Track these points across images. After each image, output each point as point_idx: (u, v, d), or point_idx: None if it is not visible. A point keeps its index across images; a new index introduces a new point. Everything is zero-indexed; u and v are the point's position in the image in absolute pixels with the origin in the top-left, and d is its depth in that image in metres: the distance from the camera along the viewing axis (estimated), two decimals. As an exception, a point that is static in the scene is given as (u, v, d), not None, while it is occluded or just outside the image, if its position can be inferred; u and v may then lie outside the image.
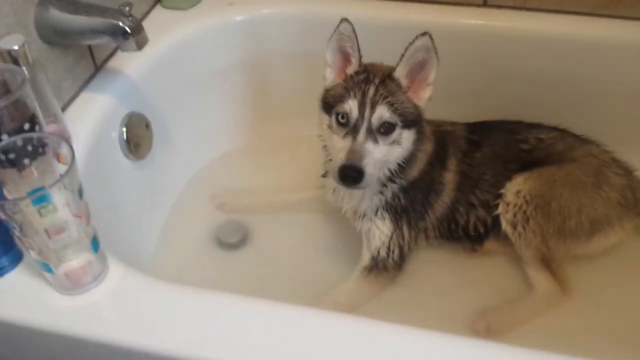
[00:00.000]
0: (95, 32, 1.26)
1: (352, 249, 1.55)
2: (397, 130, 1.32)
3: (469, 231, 1.55)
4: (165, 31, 1.63)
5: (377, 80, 1.32)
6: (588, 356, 0.91)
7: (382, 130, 1.30)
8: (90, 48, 1.42)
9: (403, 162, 1.39)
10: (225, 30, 1.71)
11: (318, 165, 1.58)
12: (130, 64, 1.50)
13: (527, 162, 1.51)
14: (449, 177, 1.51)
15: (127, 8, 1.23)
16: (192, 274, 1.53)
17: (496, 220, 1.50)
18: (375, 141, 1.30)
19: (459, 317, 1.43)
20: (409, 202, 1.47)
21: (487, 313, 1.42)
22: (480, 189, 1.52)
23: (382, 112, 1.30)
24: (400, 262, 1.50)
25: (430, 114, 1.54)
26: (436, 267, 1.57)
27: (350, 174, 1.27)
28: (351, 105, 1.31)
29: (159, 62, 1.58)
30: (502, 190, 1.48)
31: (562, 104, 1.70)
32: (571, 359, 0.92)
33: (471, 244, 1.57)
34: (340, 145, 1.31)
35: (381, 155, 1.31)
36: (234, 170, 1.83)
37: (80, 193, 0.93)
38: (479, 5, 1.69)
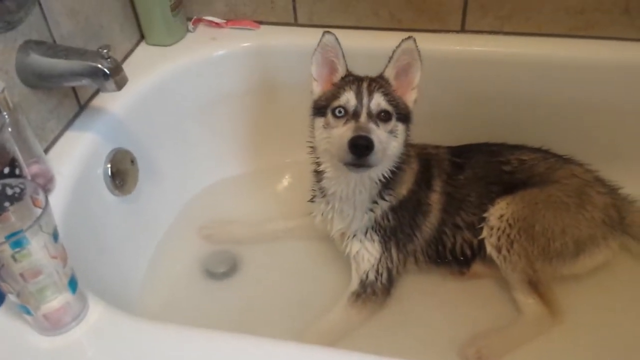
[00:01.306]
0: (75, 74, 1.28)
1: (341, 275, 1.55)
2: (394, 121, 1.35)
3: (457, 254, 1.55)
4: (149, 67, 1.66)
5: (368, 78, 1.38)
6: None
7: (381, 115, 1.33)
8: (73, 88, 1.45)
9: (393, 174, 1.41)
10: (209, 64, 1.74)
11: (304, 192, 1.60)
12: (114, 101, 1.52)
13: (510, 184, 1.52)
14: (435, 198, 1.52)
15: (105, 50, 1.26)
16: (181, 306, 1.56)
17: (482, 243, 1.51)
18: (377, 124, 1.32)
19: (449, 343, 1.43)
20: (398, 222, 1.48)
21: (476, 339, 1.42)
22: (465, 210, 1.53)
23: (380, 100, 1.34)
24: (389, 286, 1.50)
25: (413, 137, 1.57)
26: (425, 291, 1.57)
27: (361, 142, 1.24)
28: (348, 97, 1.34)
29: (144, 98, 1.60)
30: (486, 214, 1.49)
31: (544, 124, 1.72)
32: None
33: (459, 268, 1.57)
34: (342, 130, 1.31)
35: (384, 138, 1.32)
36: (221, 201, 1.84)
37: (56, 236, 0.94)
38: (457, 31, 1.72)
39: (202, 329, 1.04)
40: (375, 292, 1.48)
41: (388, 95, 1.35)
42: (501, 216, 1.46)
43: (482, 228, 1.49)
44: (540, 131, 1.66)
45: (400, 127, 1.37)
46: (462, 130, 1.68)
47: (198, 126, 1.79)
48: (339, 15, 1.78)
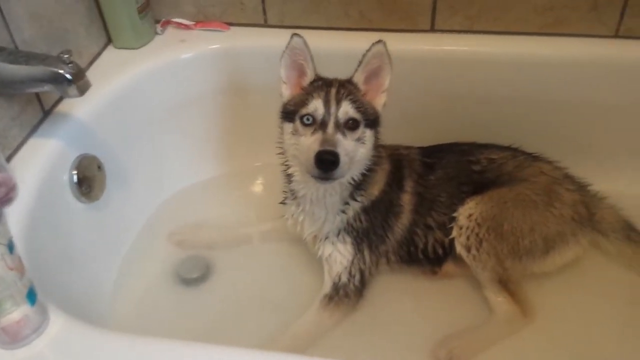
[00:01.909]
0: (37, 80, 1.27)
1: (315, 277, 1.55)
2: (361, 128, 1.35)
3: (428, 253, 1.55)
4: (117, 71, 1.64)
5: (337, 83, 1.37)
6: None
7: (349, 124, 1.33)
8: (37, 94, 1.42)
9: (364, 176, 1.41)
10: (177, 67, 1.73)
11: (276, 195, 1.59)
12: (80, 106, 1.50)
13: (480, 183, 1.52)
14: (406, 199, 1.52)
15: (66, 55, 1.24)
16: (153, 314, 1.54)
17: (454, 242, 1.50)
18: (344, 135, 1.32)
19: (421, 344, 1.43)
20: (370, 224, 1.47)
21: (448, 340, 1.42)
22: (437, 210, 1.53)
23: (347, 108, 1.33)
24: (362, 288, 1.50)
25: (384, 138, 1.57)
26: (397, 292, 1.57)
27: (328, 157, 1.25)
28: (316, 105, 1.33)
29: (111, 102, 1.58)
30: (456, 214, 1.49)
31: (514, 122, 1.72)
32: None
33: (431, 267, 1.57)
34: (310, 141, 1.32)
35: (351, 148, 1.32)
36: (192, 205, 1.83)
37: (11, 247, 0.92)
38: (426, 31, 1.72)
39: (168, 339, 1.02)
40: (347, 294, 1.47)
41: (356, 102, 1.34)
42: (470, 215, 1.46)
43: (452, 228, 1.49)
44: (510, 129, 1.67)
45: (368, 133, 1.36)
46: (433, 129, 1.68)
47: (168, 130, 1.78)
48: (310, 16, 1.78)
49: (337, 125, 1.31)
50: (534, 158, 1.58)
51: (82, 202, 1.46)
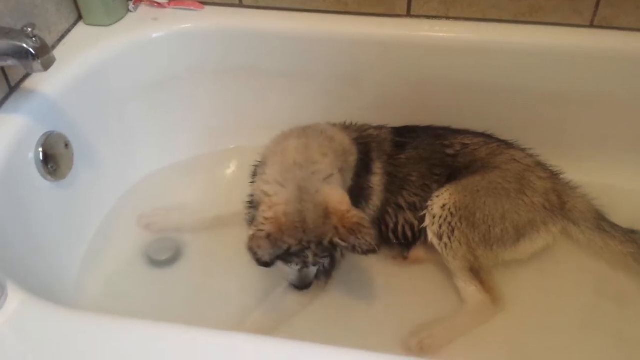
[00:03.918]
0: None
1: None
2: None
3: (398, 234, 1.55)
4: (87, 48, 1.60)
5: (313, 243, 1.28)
6: None
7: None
8: (2, 69, 1.38)
9: None
10: (149, 46, 1.69)
11: (248, 178, 1.54)
12: (48, 82, 1.46)
13: (452, 167, 1.53)
14: (376, 180, 1.51)
15: (29, 29, 1.20)
16: (121, 296, 1.52)
17: (423, 227, 1.50)
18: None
19: (392, 332, 1.43)
20: None
21: (419, 330, 1.42)
22: (407, 190, 1.53)
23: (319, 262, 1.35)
24: (331, 270, 1.50)
25: (359, 119, 1.57)
26: (367, 277, 1.56)
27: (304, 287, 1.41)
28: (292, 271, 1.37)
29: (80, 79, 1.54)
30: (429, 203, 1.49)
31: (489, 109, 1.72)
32: None
33: (401, 251, 1.57)
34: (287, 268, 1.37)
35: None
36: (163, 187, 1.80)
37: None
38: (402, 16, 1.70)
39: (132, 319, 1.01)
40: (317, 276, 1.46)
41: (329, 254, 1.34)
42: (444, 205, 1.46)
43: (424, 216, 1.49)
44: (484, 116, 1.67)
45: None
46: (408, 114, 1.67)
47: (138, 110, 1.74)
48: (285, -2, 1.76)
49: (315, 263, 1.34)
50: (507, 145, 1.58)
51: (48, 180, 1.43)
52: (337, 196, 1.28)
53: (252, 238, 1.23)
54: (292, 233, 1.24)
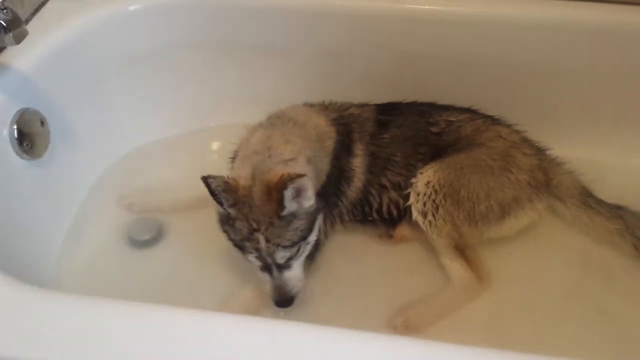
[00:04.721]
0: (-31, 27, 1.19)
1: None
2: (302, 246, 1.33)
3: (383, 213, 1.54)
4: (62, 21, 1.56)
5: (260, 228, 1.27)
6: (507, 348, 0.90)
7: (289, 260, 1.32)
8: (-26, 44, 1.34)
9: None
10: (127, 18, 1.64)
11: (230, 156, 1.53)
12: (22, 57, 1.43)
13: (437, 145, 1.51)
14: (357, 162, 1.50)
15: (0, 1, 1.16)
16: (102, 277, 1.50)
17: (408, 206, 1.48)
18: (289, 266, 1.33)
19: (377, 312, 1.42)
20: (322, 196, 1.42)
21: (405, 308, 1.41)
22: (391, 170, 1.51)
23: (282, 254, 1.30)
24: (315, 251, 1.47)
25: (345, 98, 1.53)
26: (352, 257, 1.55)
27: (285, 303, 1.35)
28: (252, 258, 1.32)
29: (56, 54, 1.51)
30: (413, 180, 1.47)
31: (475, 84, 1.70)
32: (491, 352, 0.91)
33: (386, 230, 1.56)
34: (261, 275, 1.35)
35: (299, 270, 1.36)
36: (144, 166, 1.77)
37: None
38: (390, -12, 1.67)
39: (113, 300, 0.99)
40: None
41: (287, 241, 1.29)
42: (428, 182, 1.44)
43: (408, 188, 1.48)
44: (471, 91, 1.64)
45: (310, 230, 1.34)
46: (394, 90, 1.64)
47: (117, 86, 1.70)
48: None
49: (279, 267, 1.32)
50: (493, 121, 1.56)
51: (24, 159, 1.40)
52: (281, 173, 1.26)
53: (214, 175, 1.26)
54: (240, 206, 1.25)
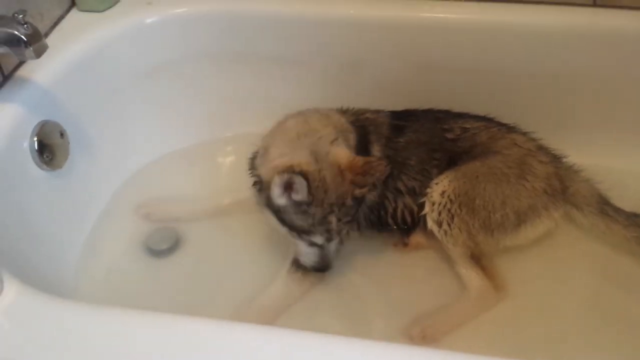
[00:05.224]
0: (-10, 42, 1.21)
1: (284, 247, 1.50)
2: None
3: (397, 219, 1.53)
4: (80, 35, 1.59)
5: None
6: (524, 358, 0.89)
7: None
8: (-4, 58, 1.37)
9: None
10: (144, 31, 1.67)
11: (246, 166, 1.51)
12: (42, 70, 1.45)
13: (452, 152, 1.51)
14: None
15: (20, 16, 1.19)
16: (120, 286, 1.51)
17: (422, 210, 1.48)
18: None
19: (392, 318, 1.41)
20: None
21: (421, 318, 1.40)
22: (407, 174, 1.51)
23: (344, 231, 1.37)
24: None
25: (358, 104, 1.55)
26: (368, 265, 1.54)
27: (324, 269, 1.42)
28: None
29: (75, 67, 1.53)
30: (429, 190, 1.47)
31: (491, 93, 1.69)
32: None
33: (401, 238, 1.56)
34: (304, 248, 1.38)
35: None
36: (162, 176, 1.78)
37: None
38: (402, -4, 1.67)
39: (131, 310, 1.00)
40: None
41: (350, 217, 1.34)
42: (443, 192, 1.44)
43: (423, 202, 1.47)
44: (486, 99, 1.64)
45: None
46: (409, 99, 1.63)
47: (135, 97, 1.72)
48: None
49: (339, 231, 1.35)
50: (508, 129, 1.55)
51: (44, 170, 1.42)
52: (345, 154, 1.31)
53: (281, 172, 1.24)
54: (315, 192, 1.25)
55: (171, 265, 1.57)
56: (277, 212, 1.33)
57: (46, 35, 1.57)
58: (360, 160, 1.29)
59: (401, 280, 1.51)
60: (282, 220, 1.34)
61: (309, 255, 1.39)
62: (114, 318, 0.99)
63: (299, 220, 1.31)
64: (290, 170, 1.24)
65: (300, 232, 1.34)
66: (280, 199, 1.28)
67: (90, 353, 0.93)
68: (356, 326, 1.41)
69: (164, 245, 1.59)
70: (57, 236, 1.47)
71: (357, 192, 1.28)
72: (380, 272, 1.53)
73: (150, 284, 1.52)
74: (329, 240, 1.35)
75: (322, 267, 1.40)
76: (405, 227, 1.54)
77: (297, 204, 1.27)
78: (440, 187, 1.45)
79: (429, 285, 1.49)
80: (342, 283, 1.50)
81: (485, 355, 0.90)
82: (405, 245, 1.55)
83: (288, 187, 1.25)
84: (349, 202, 1.29)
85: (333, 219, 1.29)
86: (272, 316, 1.40)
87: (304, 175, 1.23)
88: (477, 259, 1.44)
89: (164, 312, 0.99)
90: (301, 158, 1.28)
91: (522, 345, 1.35)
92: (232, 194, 1.67)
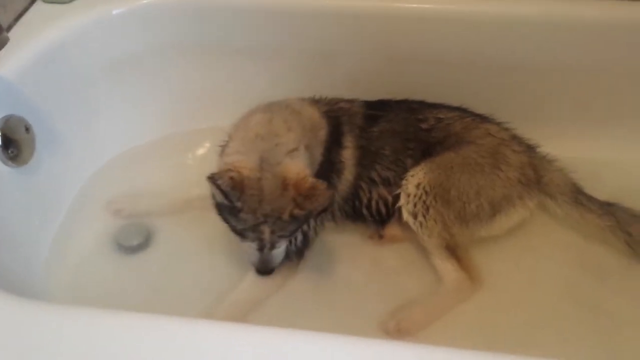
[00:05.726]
0: (-52, 34, 1.17)
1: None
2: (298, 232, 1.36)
3: (372, 210, 1.53)
4: (45, 27, 1.54)
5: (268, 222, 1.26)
6: (501, 348, 0.89)
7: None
8: (-44, 51, 1.32)
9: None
10: (110, 22, 1.62)
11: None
12: (5, 64, 1.41)
13: (426, 142, 1.50)
14: (348, 154, 1.49)
15: (-21, 7, 1.15)
16: (90, 284, 1.48)
17: (397, 201, 1.48)
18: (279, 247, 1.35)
19: (368, 311, 1.41)
20: None
21: (396, 311, 1.40)
22: (381, 164, 1.51)
23: (281, 244, 1.34)
24: (303, 249, 1.48)
25: (332, 95, 1.54)
26: (343, 257, 1.53)
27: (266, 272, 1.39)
28: (249, 245, 1.33)
29: (39, 59, 1.49)
30: (404, 182, 1.46)
31: (464, 83, 1.69)
32: (484, 355, 0.89)
33: (376, 228, 1.55)
34: (247, 246, 1.35)
35: (284, 247, 1.38)
36: (132, 171, 1.75)
37: None
38: (377, -13, 1.66)
39: (104, 309, 0.97)
40: (288, 255, 1.44)
41: (288, 232, 1.30)
42: (418, 184, 1.44)
43: (398, 193, 1.47)
44: (460, 89, 1.64)
45: (309, 219, 1.36)
46: (384, 90, 1.63)
47: (103, 90, 1.68)
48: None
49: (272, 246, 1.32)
50: (482, 119, 1.55)
51: (9, 166, 1.38)
52: (296, 169, 1.26)
53: (218, 172, 1.24)
54: (248, 200, 1.22)
55: (142, 261, 1.54)
56: (216, 206, 1.32)
57: (9, 27, 1.53)
58: (309, 181, 1.24)
59: (376, 273, 1.50)
60: (220, 216, 1.32)
61: (249, 255, 1.37)
62: (84, 319, 0.96)
63: (232, 221, 1.29)
64: (227, 171, 1.23)
65: (234, 232, 1.31)
66: (217, 196, 1.26)
67: (60, 355, 0.90)
68: (330, 320, 1.39)
69: (134, 241, 1.56)
70: (24, 235, 1.43)
71: (296, 211, 1.23)
72: (356, 265, 1.52)
73: (122, 281, 1.49)
74: (260, 248, 1.32)
75: (261, 270, 1.38)
76: (380, 218, 1.54)
77: (230, 206, 1.25)
78: (415, 179, 1.45)
79: (404, 278, 1.48)
80: (317, 277, 1.48)
81: (461, 346, 0.89)
82: (381, 237, 1.55)
83: (225, 195, 1.22)
84: (286, 217, 1.24)
85: (266, 229, 1.26)
86: (244, 312, 1.39)
87: (234, 180, 1.21)
88: (453, 250, 1.44)
89: (135, 312, 0.96)
90: (247, 162, 1.25)
91: (498, 335, 1.35)
92: (202, 188, 1.62)
